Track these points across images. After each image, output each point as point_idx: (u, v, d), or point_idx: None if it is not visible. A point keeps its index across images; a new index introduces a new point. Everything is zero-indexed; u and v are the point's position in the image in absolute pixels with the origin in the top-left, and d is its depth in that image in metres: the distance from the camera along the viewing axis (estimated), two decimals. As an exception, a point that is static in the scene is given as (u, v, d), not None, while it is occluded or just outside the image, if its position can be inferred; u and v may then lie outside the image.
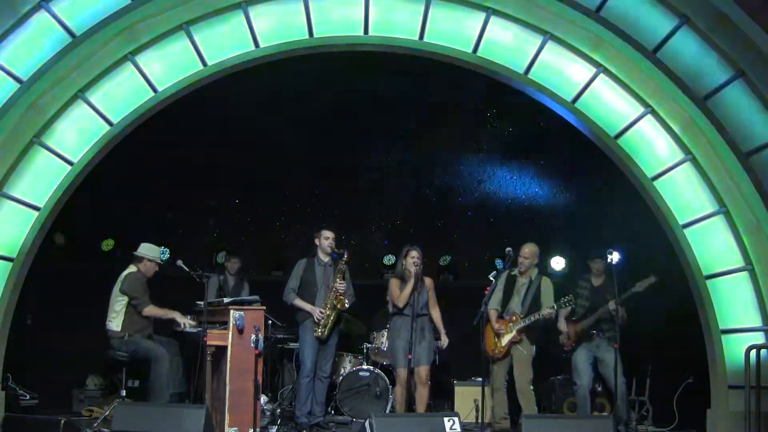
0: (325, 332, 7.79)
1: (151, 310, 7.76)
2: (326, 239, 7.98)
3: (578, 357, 8.02)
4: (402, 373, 7.64)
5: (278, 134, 10.19)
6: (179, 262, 7.60)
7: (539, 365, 8.09)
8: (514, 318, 7.89)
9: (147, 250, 8.01)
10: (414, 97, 9.99)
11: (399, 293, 7.76)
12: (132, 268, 7.92)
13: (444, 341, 7.86)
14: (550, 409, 8.97)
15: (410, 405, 7.68)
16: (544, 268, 9.97)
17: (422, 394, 7.73)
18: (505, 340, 7.87)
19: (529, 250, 7.97)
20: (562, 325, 8.13)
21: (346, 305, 7.85)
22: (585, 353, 7.99)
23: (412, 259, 7.76)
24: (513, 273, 8.02)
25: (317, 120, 10.14)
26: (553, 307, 7.78)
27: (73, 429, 6.98)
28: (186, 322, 7.69)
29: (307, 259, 8.09)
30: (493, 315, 7.92)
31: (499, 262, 9.68)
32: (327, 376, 8.00)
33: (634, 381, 8.85)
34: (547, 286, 7.96)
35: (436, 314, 7.85)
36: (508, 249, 7.59)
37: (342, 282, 7.83)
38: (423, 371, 7.69)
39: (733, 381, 7.80)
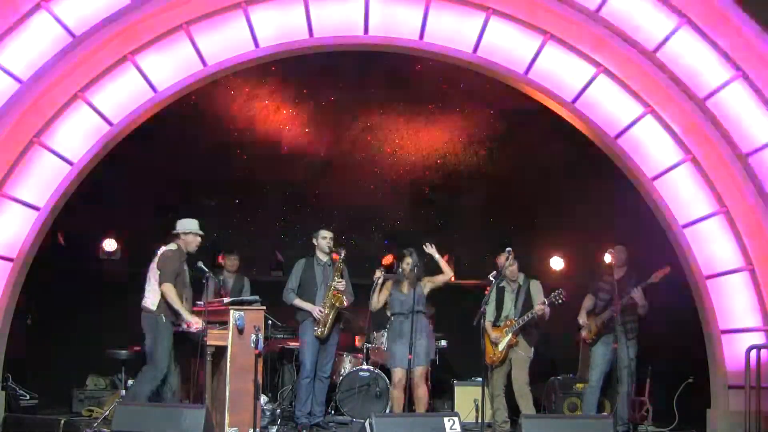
0: (325, 331, 7.80)
1: (168, 290, 7.29)
2: (324, 239, 8.01)
3: (596, 352, 8.06)
4: (399, 372, 7.65)
5: (278, 134, 10.20)
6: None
7: (539, 365, 8.10)
8: (508, 323, 7.91)
9: (185, 225, 7.65)
10: (414, 97, 9.99)
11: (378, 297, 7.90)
12: (172, 246, 7.58)
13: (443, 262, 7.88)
14: (550, 409, 8.97)
15: (410, 406, 7.67)
16: (543, 268, 10.02)
17: (419, 395, 7.72)
18: (502, 344, 7.89)
19: (499, 258, 7.97)
20: (583, 318, 8.13)
21: (344, 303, 7.87)
22: (603, 348, 8.01)
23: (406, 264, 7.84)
24: (501, 285, 8.04)
25: (317, 119, 10.14)
26: (544, 302, 7.79)
27: (73, 429, 6.99)
28: (194, 323, 7.45)
29: (306, 259, 8.11)
30: (488, 326, 7.95)
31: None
32: (327, 377, 8.02)
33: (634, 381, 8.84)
34: (536, 288, 8.00)
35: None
36: (508, 249, 7.60)
37: (340, 281, 7.84)
38: (419, 371, 7.69)
39: (733, 381, 7.80)
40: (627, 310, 7.87)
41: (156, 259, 7.51)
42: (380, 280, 7.92)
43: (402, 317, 7.76)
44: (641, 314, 7.90)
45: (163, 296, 7.34)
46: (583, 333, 8.18)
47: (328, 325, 7.82)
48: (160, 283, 7.34)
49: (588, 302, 8.21)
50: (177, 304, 7.34)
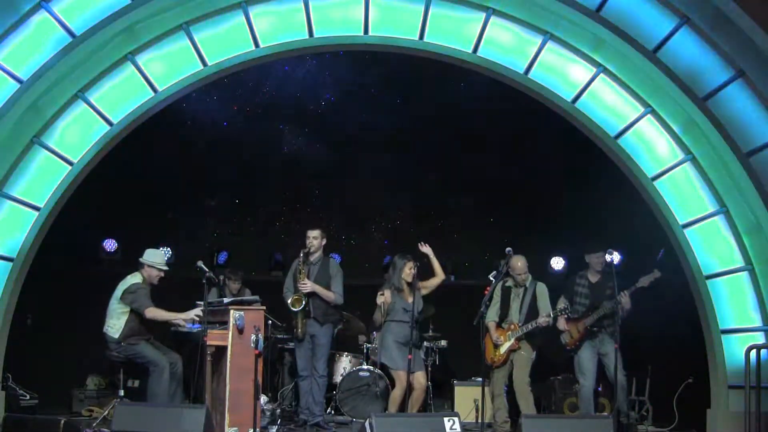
0: (298, 332, 7.83)
1: (154, 312, 7.53)
2: (307, 238, 7.97)
3: (583, 356, 7.99)
4: (403, 375, 7.64)
5: (278, 134, 10.20)
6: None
7: (539, 365, 8.09)
8: (512, 327, 7.89)
9: (151, 256, 7.78)
10: (413, 97, 10.00)
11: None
12: (137, 278, 7.71)
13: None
14: (550, 409, 8.97)
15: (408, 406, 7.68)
16: (543, 268, 10.03)
17: (420, 398, 7.76)
18: (504, 348, 7.87)
19: (521, 264, 7.93)
20: (562, 324, 8.11)
21: (300, 306, 7.76)
22: (590, 352, 7.97)
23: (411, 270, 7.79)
24: (507, 284, 8.03)
25: (317, 119, 10.15)
26: (550, 315, 7.78)
27: (73, 429, 6.98)
28: (190, 318, 7.53)
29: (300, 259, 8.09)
30: (492, 326, 7.93)
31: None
32: (322, 375, 7.93)
33: (634, 381, 8.84)
34: (542, 292, 7.97)
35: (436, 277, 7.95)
36: (508, 249, 7.57)
37: (304, 283, 7.80)
38: (421, 377, 7.75)
39: (733, 381, 7.81)
40: (608, 315, 7.85)
41: (119, 291, 7.63)
42: (385, 305, 7.90)
43: (402, 323, 7.75)
44: (623, 317, 7.85)
45: (129, 322, 7.52)
46: (565, 339, 8.13)
47: (299, 327, 7.82)
48: (143, 312, 7.50)
49: (561, 305, 8.14)
50: (167, 315, 7.61)
